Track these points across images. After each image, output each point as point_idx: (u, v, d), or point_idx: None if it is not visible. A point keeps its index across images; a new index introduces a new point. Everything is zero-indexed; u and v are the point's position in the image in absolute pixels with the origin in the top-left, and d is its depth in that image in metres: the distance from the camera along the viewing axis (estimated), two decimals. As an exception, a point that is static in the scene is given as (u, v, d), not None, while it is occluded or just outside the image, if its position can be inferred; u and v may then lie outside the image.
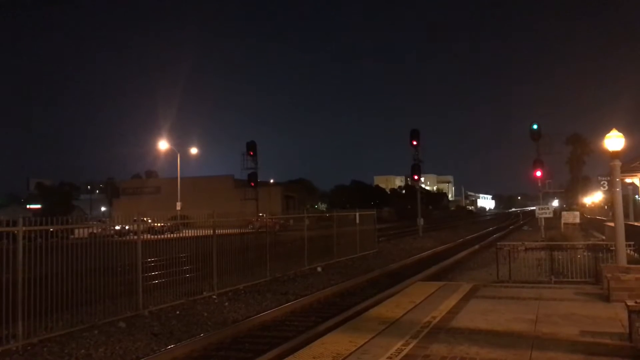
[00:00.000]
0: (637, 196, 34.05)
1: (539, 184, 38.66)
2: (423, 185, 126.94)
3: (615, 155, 12.25)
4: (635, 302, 7.64)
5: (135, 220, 15.00)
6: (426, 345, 7.86)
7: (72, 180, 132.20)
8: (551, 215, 36.27)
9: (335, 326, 10.96)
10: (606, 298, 11.05)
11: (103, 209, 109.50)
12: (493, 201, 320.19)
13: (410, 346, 7.85)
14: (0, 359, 10.01)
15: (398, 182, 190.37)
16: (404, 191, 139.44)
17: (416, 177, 51.34)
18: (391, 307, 10.93)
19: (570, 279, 15.26)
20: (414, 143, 48.77)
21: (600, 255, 15.38)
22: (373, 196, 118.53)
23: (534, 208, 36.31)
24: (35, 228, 11.73)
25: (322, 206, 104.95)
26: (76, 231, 13.96)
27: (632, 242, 15.76)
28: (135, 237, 14.57)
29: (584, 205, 71.09)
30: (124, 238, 15.07)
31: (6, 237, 11.30)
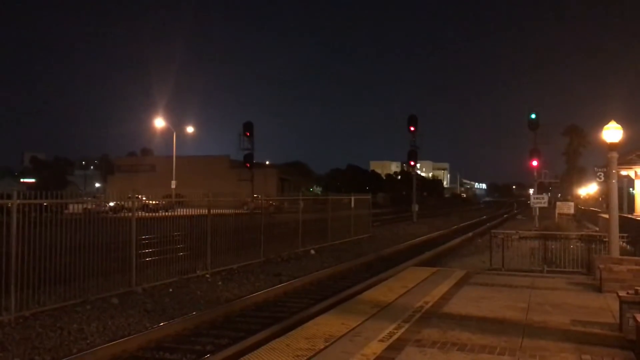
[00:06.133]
0: (631, 189, 34.20)
1: (535, 174, 38.79)
2: (419, 172, 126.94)
3: (612, 147, 12.25)
4: (627, 293, 7.68)
5: (129, 197, 14.95)
6: (418, 330, 7.89)
7: (67, 156, 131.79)
8: (546, 204, 36.43)
9: (328, 308, 10.99)
10: (598, 288, 11.12)
11: (97, 185, 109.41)
12: (487, 189, 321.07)
13: (402, 330, 7.88)
14: (-8, 331, 10.01)
15: (394, 167, 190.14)
16: (399, 177, 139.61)
17: (412, 163, 51.50)
18: (384, 291, 10.96)
19: (562, 269, 15.38)
20: (412, 129, 48.82)
21: (593, 246, 15.49)
22: (368, 181, 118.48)
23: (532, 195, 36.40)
24: (30, 202, 11.67)
25: (318, 189, 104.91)
26: (70, 206, 13.92)
27: (626, 234, 15.84)
28: (130, 214, 14.53)
29: (578, 197, 71.34)
30: (118, 215, 15.03)
31: (0, 210, 11.26)
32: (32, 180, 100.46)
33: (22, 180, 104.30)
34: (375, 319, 8.60)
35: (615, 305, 8.30)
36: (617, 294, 7.93)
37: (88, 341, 9.87)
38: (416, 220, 46.72)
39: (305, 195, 30.00)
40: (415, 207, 48.85)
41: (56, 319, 10.91)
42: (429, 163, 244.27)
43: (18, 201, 11.24)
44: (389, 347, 7.04)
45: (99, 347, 9.19)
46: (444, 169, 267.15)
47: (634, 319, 6.54)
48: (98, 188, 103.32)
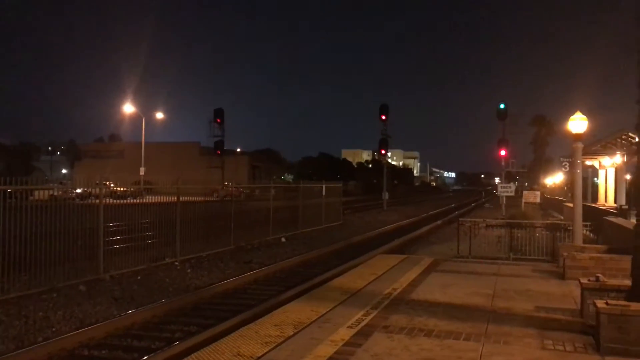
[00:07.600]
0: (595, 179, 35.06)
1: (503, 163, 39.40)
2: (390, 160, 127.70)
3: (578, 137, 12.52)
4: (588, 280, 7.89)
5: (97, 184, 14.72)
6: (386, 316, 7.98)
7: (33, 141, 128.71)
8: (512, 193, 37.06)
9: (297, 295, 11.04)
10: (561, 276, 11.38)
11: (64, 171, 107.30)
12: (456, 178, 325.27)
13: (371, 316, 7.96)
14: (-46, 320, 9.79)
15: (365, 156, 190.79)
16: (370, 165, 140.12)
17: (383, 152, 51.81)
18: (353, 278, 11.05)
19: (528, 257, 15.68)
20: (383, 117, 49.07)
21: (558, 234, 15.84)
22: (340, 169, 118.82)
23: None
24: (-7, 187, 11.40)
25: (289, 177, 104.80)
26: (36, 193, 13.64)
27: (589, 223, 16.25)
28: (97, 200, 14.32)
29: (545, 186, 72.63)
30: (85, 201, 14.79)
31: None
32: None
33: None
34: (344, 306, 8.67)
35: (578, 292, 8.51)
36: (579, 281, 8.14)
37: (54, 329, 9.74)
38: (386, 208, 47.11)
39: (277, 183, 29.95)
40: (386, 195, 49.23)
41: (21, 307, 10.72)
42: (400, 152, 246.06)
43: (-19, 187, 10.97)
44: (358, 333, 7.11)
45: (65, 335, 9.08)
46: (414, 158, 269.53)
47: (594, 305, 6.72)
48: (65, 174, 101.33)
